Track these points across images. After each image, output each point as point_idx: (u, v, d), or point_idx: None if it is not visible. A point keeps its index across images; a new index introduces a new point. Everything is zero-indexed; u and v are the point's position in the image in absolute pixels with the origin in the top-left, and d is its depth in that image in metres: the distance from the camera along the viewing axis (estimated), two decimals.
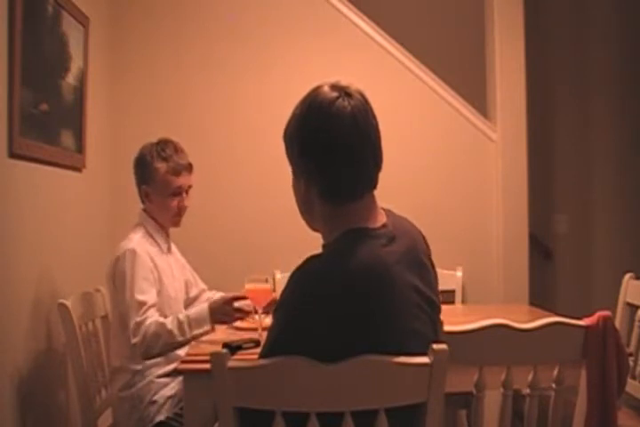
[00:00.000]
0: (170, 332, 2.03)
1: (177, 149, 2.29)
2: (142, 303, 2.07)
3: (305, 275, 1.21)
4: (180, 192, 2.28)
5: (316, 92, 1.27)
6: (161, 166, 2.24)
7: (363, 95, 1.27)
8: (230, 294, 2.09)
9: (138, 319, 2.04)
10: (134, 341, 2.03)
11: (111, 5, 3.17)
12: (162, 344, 2.04)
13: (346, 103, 1.23)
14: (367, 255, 1.20)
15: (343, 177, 1.24)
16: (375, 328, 1.17)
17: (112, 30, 3.17)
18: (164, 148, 2.27)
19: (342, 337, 1.14)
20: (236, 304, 2.09)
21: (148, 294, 2.10)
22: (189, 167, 2.31)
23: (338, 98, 1.23)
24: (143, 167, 2.27)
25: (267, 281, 2.07)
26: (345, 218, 1.26)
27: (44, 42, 2.32)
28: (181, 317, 2.07)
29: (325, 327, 1.15)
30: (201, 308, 2.10)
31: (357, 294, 1.16)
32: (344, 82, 1.27)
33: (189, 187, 2.32)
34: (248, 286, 2.06)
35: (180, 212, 2.30)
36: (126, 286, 2.10)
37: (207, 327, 2.07)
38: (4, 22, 2.00)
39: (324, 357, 1.12)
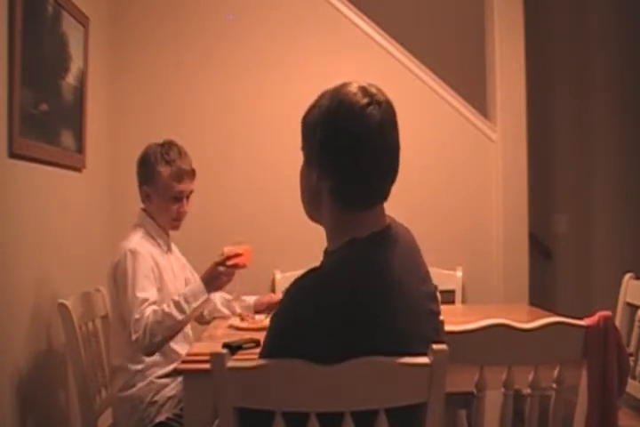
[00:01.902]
0: (169, 314, 2.04)
1: (181, 153, 2.29)
2: (143, 301, 2.07)
3: (304, 288, 1.20)
4: (180, 197, 2.28)
5: (345, 90, 1.23)
6: (164, 170, 2.24)
7: (391, 105, 1.25)
8: (217, 259, 2.14)
9: (137, 316, 2.05)
10: (135, 336, 2.03)
11: (111, 5, 3.17)
12: (164, 329, 2.04)
13: (376, 112, 1.21)
14: (371, 267, 1.20)
15: (358, 183, 1.22)
16: (378, 338, 1.16)
17: (112, 30, 3.17)
18: (168, 151, 2.27)
19: (342, 346, 1.13)
20: (229, 263, 2.13)
21: (148, 292, 2.11)
22: (192, 173, 2.31)
23: (369, 104, 1.21)
24: (146, 168, 2.28)
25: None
26: (352, 225, 1.25)
27: (44, 42, 2.32)
28: (176, 297, 2.09)
29: (325, 337, 1.14)
30: (194, 282, 2.15)
31: (358, 307, 1.15)
32: (374, 88, 1.24)
33: (190, 192, 2.32)
34: (227, 249, 2.14)
35: (178, 216, 2.30)
36: (128, 284, 2.10)
37: (204, 297, 2.10)
38: (4, 22, 2.00)
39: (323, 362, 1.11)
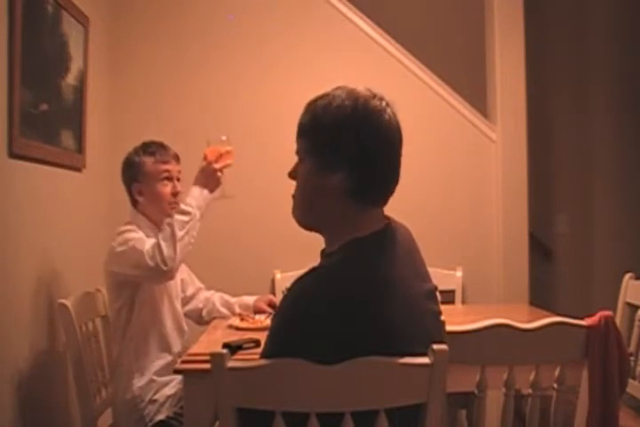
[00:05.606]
0: (173, 223, 2.09)
1: (162, 146, 2.34)
2: (149, 241, 2.11)
3: (305, 288, 1.20)
4: (170, 177, 2.31)
5: (359, 92, 1.26)
6: (147, 160, 2.30)
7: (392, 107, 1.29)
8: (206, 160, 2.23)
9: (147, 247, 2.07)
10: (152, 263, 2.04)
11: (111, 5, 3.17)
12: (178, 231, 2.08)
13: (391, 111, 1.26)
14: (371, 266, 1.19)
15: (381, 180, 1.26)
16: (378, 338, 1.15)
17: (112, 30, 3.16)
18: (148, 145, 2.33)
19: (343, 346, 1.13)
20: (222, 162, 2.23)
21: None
22: (176, 157, 2.36)
23: (387, 105, 1.26)
24: (131, 166, 2.32)
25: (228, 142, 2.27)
26: (355, 225, 1.25)
27: (44, 42, 2.32)
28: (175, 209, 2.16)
29: (325, 337, 1.14)
30: (191, 190, 2.21)
31: (358, 307, 1.15)
32: (376, 90, 1.28)
33: (179, 173, 2.35)
34: (211, 148, 2.24)
35: (174, 198, 2.31)
36: (127, 244, 2.11)
37: (205, 194, 2.20)
38: (4, 22, 2.00)
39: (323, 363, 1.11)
